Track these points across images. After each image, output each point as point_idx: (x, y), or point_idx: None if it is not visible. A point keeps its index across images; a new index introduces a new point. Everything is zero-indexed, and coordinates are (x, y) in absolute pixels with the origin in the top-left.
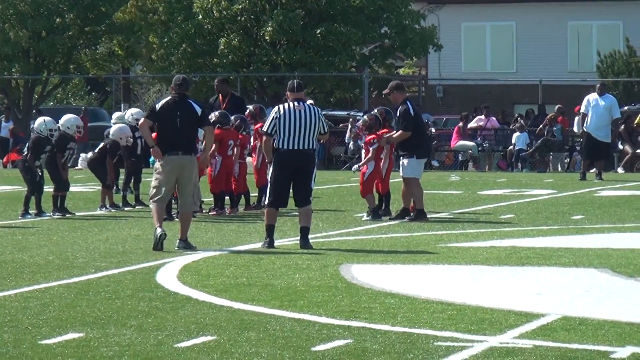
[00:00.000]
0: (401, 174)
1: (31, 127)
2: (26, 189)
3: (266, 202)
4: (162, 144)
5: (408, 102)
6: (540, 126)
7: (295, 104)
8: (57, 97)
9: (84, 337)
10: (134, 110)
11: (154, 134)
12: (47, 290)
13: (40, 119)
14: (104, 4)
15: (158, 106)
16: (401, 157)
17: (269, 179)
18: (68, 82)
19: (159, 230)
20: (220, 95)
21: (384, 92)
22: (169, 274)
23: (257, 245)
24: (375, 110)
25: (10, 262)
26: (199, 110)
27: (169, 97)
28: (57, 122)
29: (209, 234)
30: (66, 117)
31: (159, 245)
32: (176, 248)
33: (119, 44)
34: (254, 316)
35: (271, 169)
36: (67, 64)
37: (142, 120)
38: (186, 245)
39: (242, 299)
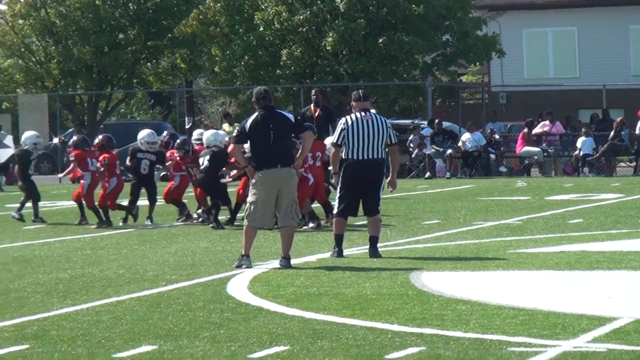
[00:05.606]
0: None
1: (94, 142)
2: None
3: (335, 211)
4: (259, 161)
5: None
6: (612, 133)
7: (362, 114)
8: (120, 112)
9: (157, 350)
10: (214, 131)
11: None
12: (119, 303)
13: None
14: (165, 17)
15: (247, 125)
16: None
17: (337, 190)
18: (132, 96)
19: (245, 262)
20: (313, 105)
21: None
22: (239, 285)
23: (327, 255)
24: None
25: (81, 277)
26: (292, 118)
27: (256, 114)
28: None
29: (277, 244)
30: (142, 132)
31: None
32: (279, 265)
33: (182, 57)
34: (326, 325)
35: (339, 179)
36: (130, 79)
37: (231, 146)
38: (288, 264)
39: (313, 309)
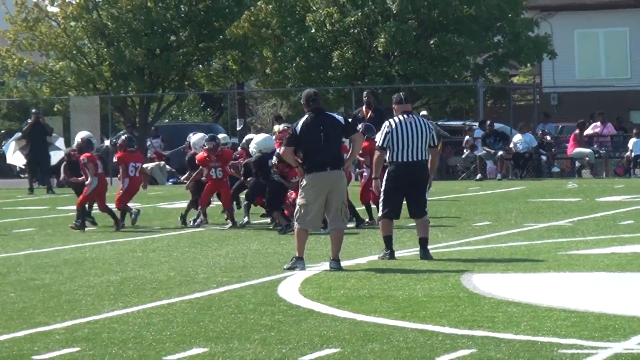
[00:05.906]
0: None
1: (147, 144)
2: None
3: (380, 214)
4: (310, 163)
5: None
6: None
7: (405, 116)
8: (172, 115)
9: (208, 352)
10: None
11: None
12: (170, 306)
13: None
14: (217, 19)
15: (298, 128)
16: None
17: (382, 191)
18: (183, 99)
19: (299, 265)
20: (365, 107)
21: None
22: (290, 287)
23: (377, 257)
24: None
25: (132, 279)
26: (342, 120)
27: (306, 116)
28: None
29: (328, 246)
30: (194, 137)
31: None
32: (329, 268)
33: (233, 59)
34: (376, 328)
35: (383, 181)
36: (182, 81)
37: (283, 149)
38: (338, 266)
39: (364, 311)
